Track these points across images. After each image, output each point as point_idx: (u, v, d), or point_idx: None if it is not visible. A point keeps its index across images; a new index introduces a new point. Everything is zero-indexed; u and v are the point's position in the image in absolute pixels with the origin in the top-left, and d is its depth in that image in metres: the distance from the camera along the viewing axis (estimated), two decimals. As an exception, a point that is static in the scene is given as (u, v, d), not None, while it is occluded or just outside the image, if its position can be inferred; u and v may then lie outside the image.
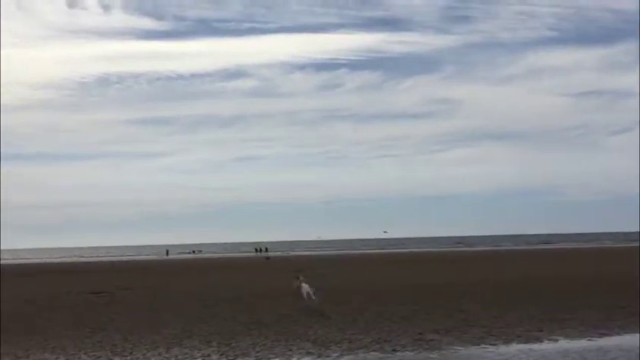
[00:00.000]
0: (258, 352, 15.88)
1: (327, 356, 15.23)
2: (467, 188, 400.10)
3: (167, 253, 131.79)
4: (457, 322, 19.63)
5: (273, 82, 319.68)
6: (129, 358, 15.52)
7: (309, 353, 15.60)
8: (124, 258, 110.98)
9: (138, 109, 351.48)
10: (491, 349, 15.73)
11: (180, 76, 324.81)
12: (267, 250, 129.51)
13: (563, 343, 16.32)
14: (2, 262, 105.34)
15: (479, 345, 16.18)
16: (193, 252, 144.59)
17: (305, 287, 24.98)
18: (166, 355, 15.66)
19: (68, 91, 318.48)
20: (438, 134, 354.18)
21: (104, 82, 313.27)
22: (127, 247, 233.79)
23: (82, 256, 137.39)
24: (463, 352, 15.38)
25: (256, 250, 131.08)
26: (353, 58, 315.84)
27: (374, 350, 15.84)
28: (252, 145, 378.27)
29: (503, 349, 15.73)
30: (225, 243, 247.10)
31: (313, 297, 24.24)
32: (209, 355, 15.56)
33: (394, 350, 15.82)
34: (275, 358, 15.14)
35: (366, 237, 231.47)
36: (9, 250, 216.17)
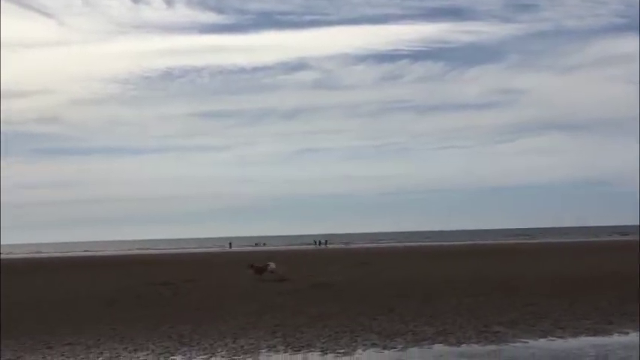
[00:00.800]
0: (323, 343, 15.95)
1: (392, 348, 15.20)
2: (532, 179, 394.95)
3: (230, 246, 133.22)
4: (524, 315, 19.39)
5: (334, 74, 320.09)
6: (196, 347, 15.76)
7: (374, 345, 15.60)
8: (188, 250, 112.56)
9: (201, 103, 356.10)
10: (560, 341, 15.50)
11: (243, 70, 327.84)
12: (326, 242, 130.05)
13: (634, 336, 15.98)
14: (71, 254, 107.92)
15: (546, 337, 15.96)
16: (256, 244, 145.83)
17: (271, 265, 34.78)
18: (233, 345, 15.85)
19: (132, 86, 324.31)
20: (502, 125, 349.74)
21: (167, 76, 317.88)
22: (191, 239, 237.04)
23: (147, 249, 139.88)
24: (530, 345, 15.18)
25: (315, 242, 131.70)
26: (415, 48, 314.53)
27: (438, 342, 15.76)
28: (314, 137, 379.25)
29: (571, 341, 15.48)
30: (288, 235, 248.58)
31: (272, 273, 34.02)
32: (275, 346, 15.69)
33: (459, 342, 15.70)
34: (340, 349, 15.18)
35: (429, 229, 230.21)
36: (77, 243, 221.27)
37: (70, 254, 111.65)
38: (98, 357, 14.90)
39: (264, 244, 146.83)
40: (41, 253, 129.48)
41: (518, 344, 15.31)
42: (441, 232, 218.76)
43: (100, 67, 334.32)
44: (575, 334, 16.27)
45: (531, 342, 15.49)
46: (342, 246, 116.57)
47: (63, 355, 15.24)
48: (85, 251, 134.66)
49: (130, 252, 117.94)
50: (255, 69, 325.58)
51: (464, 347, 15.16)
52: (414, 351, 14.82)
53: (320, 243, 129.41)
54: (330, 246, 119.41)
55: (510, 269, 38.53)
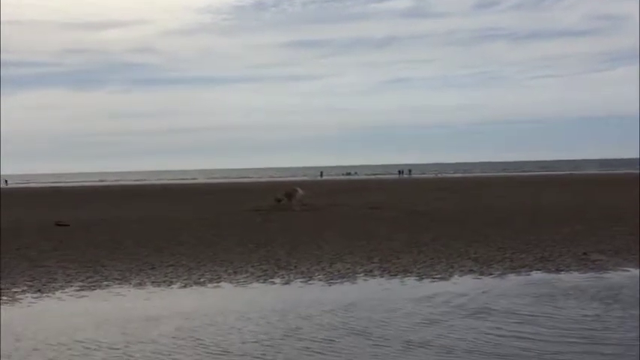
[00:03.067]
0: (419, 269, 15.99)
1: (490, 274, 15.12)
2: (631, 108, 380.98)
3: (321, 175, 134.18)
4: (625, 243, 18.94)
5: (427, 1, 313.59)
6: (294, 271, 16.05)
7: (470, 271, 15.55)
8: (280, 179, 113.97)
9: (292, 32, 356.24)
10: (663, 270, 15.09)
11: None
12: (410, 172, 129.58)
13: None
14: (165, 182, 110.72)
15: (649, 266, 15.57)
16: (348, 174, 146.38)
17: (300, 192, 34.89)
18: (329, 270, 16.07)
19: (225, 15, 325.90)
20: (600, 52, 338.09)
21: (260, 5, 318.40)
22: (282, 168, 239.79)
23: (240, 177, 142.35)
24: (632, 273, 14.83)
25: (399, 172, 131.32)
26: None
27: (537, 269, 15.58)
28: (405, 66, 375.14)
29: (676, 271, 15.06)
30: (377, 165, 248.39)
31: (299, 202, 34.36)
32: (371, 271, 15.82)
33: (558, 270, 15.49)
34: (436, 275, 15.19)
35: (522, 159, 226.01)
36: (170, 171, 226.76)
37: (164, 182, 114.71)
38: (200, 278, 15.37)
39: (356, 173, 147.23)
40: (137, 181, 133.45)
41: (618, 272, 15.01)
42: (534, 162, 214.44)
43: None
44: (680, 264, 15.82)
45: (632, 271, 15.15)
46: (431, 176, 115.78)
47: (166, 275, 15.76)
48: (178, 179, 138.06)
49: (222, 180, 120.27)
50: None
51: (563, 274, 14.96)
52: (512, 277, 14.71)
53: (403, 172, 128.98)
54: (419, 175, 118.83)
55: (610, 198, 37.56)
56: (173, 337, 10.10)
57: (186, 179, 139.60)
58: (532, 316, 10.92)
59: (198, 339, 10.00)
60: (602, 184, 59.94)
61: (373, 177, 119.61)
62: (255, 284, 14.64)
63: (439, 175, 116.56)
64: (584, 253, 17.43)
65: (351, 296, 12.89)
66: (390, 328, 10.40)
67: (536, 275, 14.92)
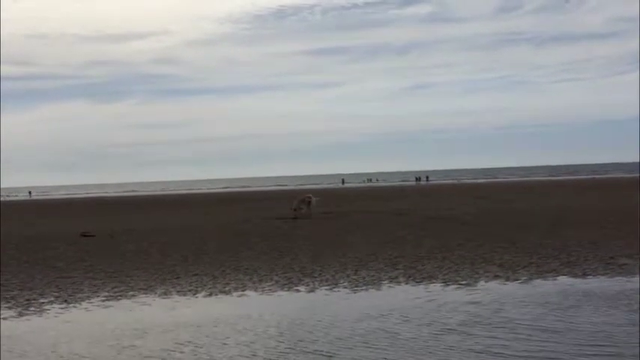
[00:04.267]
0: (444, 274, 15.92)
1: (515, 280, 15.01)
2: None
3: (343, 182, 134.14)
4: (652, 247, 18.72)
5: (449, 6, 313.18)
6: (318, 279, 16.03)
7: (496, 276, 15.46)
8: (302, 187, 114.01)
9: (313, 40, 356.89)
10: (692, 274, 14.91)
11: (355, 5, 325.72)
12: (427, 178, 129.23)
13: None
14: (188, 192, 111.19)
15: (678, 270, 15.38)
16: (369, 180, 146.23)
17: (314, 200, 35.47)
18: (354, 277, 16.03)
19: (245, 25, 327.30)
20: (624, 55, 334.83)
21: (280, 14, 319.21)
22: (303, 176, 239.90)
23: (262, 186, 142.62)
24: (661, 277, 14.66)
25: (417, 179, 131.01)
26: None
27: (563, 274, 15.46)
28: (428, 72, 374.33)
29: None
30: (398, 172, 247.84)
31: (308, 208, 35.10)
32: (396, 278, 15.77)
33: (585, 274, 15.36)
34: (462, 280, 15.11)
35: (545, 164, 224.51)
36: (193, 181, 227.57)
37: (187, 192, 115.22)
38: (225, 287, 15.39)
39: (377, 180, 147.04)
40: (160, 191, 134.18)
41: (647, 276, 14.84)
42: (557, 167, 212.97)
43: (214, 7, 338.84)
44: None
45: (662, 274, 14.97)
46: (453, 181, 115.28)
47: (191, 285, 15.81)
48: (201, 189, 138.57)
49: (245, 189, 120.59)
50: (367, 4, 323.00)
51: (590, 279, 14.82)
52: (539, 282, 14.59)
53: (420, 179, 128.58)
54: (441, 181, 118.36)
55: (637, 203, 37.17)
56: (197, 346, 10.12)
57: (210, 189, 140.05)
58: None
59: (225, 344, 10.02)
60: (628, 187, 59.36)
61: (395, 184, 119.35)
62: (280, 292, 14.65)
63: (461, 181, 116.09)
64: (611, 257, 17.27)
65: (378, 303, 12.85)
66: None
67: (563, 280, 14.79)
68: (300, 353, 9.56)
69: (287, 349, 9.82)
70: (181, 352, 9.83)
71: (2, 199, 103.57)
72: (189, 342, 10.38)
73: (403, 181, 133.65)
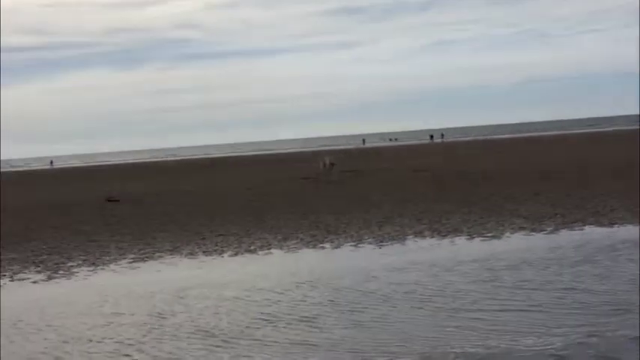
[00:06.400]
0: (469, 228, 15.88)
1: (541, 230, 14.95)
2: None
3: (364, 142, 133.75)
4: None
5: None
6: (343, 235, 16.04)
7: (521, 228, 15.40)
8: (323, 148, 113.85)
9: (332, 0, 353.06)
10: None
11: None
12: (442, 136, 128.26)
13: None
14: (213, 155, 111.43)
15: None
16: (391, 140, 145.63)
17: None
18: (379, 232, 16.03)
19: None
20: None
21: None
22: (325, 137, 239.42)
23: (285, 148, 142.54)
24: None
25: (431, 137, 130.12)
26: None
27: (590, 224, 15.38)
28: (447, 29, 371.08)
29: None
30: (419, 131, 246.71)
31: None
32: (421, 232, 15.75)
33: (612, 223, 15.26)
34: (487, 233, 15.07)
35: (568, 117, 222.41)
36: (217, 145, 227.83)
37: (211, 156, 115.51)
38: (250, 246, 15.45)
39: (396, 139, 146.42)
40: (184, 156, 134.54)
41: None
42: (578, 120, 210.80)
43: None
44: None
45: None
46: (473, 138, 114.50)
47: (217, 245, 15.88)
48: (226, 152, 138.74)
49: (268, 152, 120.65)
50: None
51: (617, 227, 14.73)
52: (565, 233, 14.51)
53: (433, 137, 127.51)
54: (460, 138, 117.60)
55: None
56: (231, 300, 10.20)
57: (232, 152, 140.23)
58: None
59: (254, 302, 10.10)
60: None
61: (410, 142, 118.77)
62: (305, 250, 14.69)
63: (478, 137, 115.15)
64: (639, 207, 17.11)
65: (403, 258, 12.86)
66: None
67: (590, 230, 14.72)
68: (330, 306, 9.61)
69: (317, 303, 9.88)
70: (210, 310, 9.91)
71: (24, 168, 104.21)
72: (220, 300, 10.46)
73: (419, 140, 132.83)
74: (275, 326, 8.92)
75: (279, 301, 10.22)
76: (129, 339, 8.84)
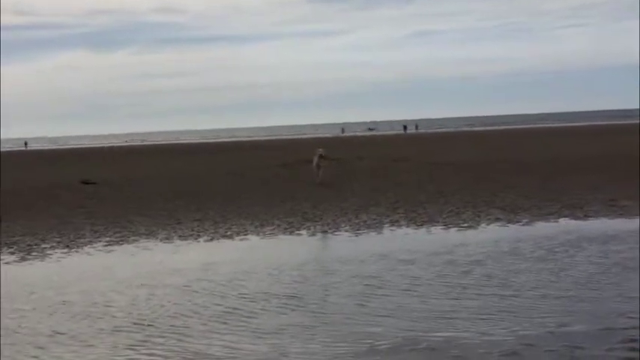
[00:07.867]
0: (445, 218, 15.94)
1: (517, 222, 15.04)
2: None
3: (342, 131, 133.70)
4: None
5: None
6: (320, 223, 16.04)
7: (497, 219, 15.48)
8: (302, 136, 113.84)
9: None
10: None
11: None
12: (416, 127, 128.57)
13: None
14: (192, 141, 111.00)
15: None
16: (369, 129, 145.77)
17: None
18: (355, 221, 16.05)
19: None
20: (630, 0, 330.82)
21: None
22: (304, 125, 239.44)
23: (265, 136, 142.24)
24: (662, 218, 14.66)
25: (404, 127, 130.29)
26: None
27: (564, 216, 15.48)
28: (431, 19, 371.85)
29: None
30: (398, 120, 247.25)
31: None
32: (397, 221, 15.79)
33: (586, 216, 15.39)
34: (463, 223, 15.13)
35: (548, 111, 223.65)
36: (198, 131, 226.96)
37: (190, 141, 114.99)
38: (227, 231, 15.41)
39: (376, 129, 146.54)
40: (163, 140, 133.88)
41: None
42: (559, 114, 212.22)
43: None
44: None
45: (663, 215, 14.97)
46: (451, 130, 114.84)
47: (192, 230, 15.82)
48: (204, 138, 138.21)
49: (247, 138, 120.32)
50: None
51: (592, 220, 14.85)
52: (541, 225, 14.60)
53: (407, 128, 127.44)
54: (437, 130, 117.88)
55: (635, 148, 37.04)
56: (206, 285, 10.18)
57: (212, 138, 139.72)
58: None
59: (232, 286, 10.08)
60: (628, 133, 59.19)
61: (386, 133, 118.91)
62: (282, 236, 14.68)
63: (461, 129, 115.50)
64: (612, 200, 17.27)
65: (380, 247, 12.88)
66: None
67: (564, 222, 14.82)
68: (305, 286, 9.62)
69: (292, 284, 9.88)
70: (184, 294, 9.88)
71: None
72: (190, 284, 10.43)
73: (392, 130, 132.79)
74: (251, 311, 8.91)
75: (253, 284, 10.19)
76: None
